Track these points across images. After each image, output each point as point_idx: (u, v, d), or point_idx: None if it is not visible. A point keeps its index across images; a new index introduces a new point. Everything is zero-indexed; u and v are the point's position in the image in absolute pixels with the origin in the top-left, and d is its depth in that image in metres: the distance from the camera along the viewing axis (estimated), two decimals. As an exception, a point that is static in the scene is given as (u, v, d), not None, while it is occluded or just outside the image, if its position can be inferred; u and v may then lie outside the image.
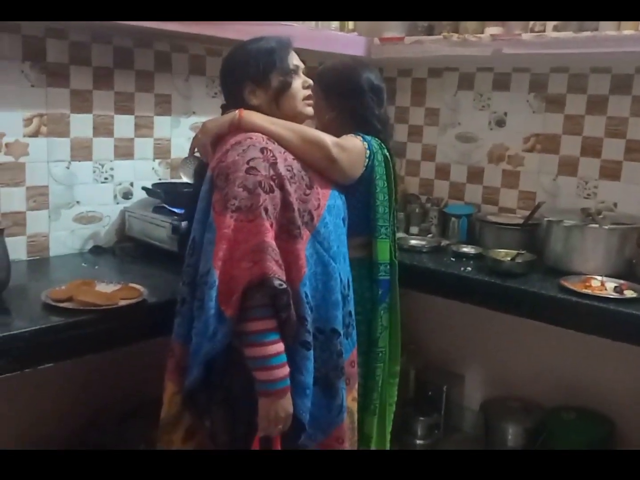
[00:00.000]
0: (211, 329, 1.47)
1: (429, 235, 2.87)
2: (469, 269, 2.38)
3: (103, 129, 2.36)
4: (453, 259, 2.54)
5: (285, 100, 1.71)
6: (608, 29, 2.29)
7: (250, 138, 1.58)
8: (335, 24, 2.78)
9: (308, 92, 1.76)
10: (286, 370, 1.51)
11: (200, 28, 2.18)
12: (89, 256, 2.35)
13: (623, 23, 2.26)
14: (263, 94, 1.70)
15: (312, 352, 1.57)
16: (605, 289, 2.16)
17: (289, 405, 1.53)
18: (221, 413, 1.61)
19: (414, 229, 2.95)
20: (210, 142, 1.67)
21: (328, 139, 1.73)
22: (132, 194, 2.48)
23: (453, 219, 2.86)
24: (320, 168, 1.71)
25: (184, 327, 1.60)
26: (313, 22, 2.71)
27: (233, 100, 1.72)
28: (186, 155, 1.80)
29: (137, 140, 2.46)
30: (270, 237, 1.49)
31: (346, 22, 2.84)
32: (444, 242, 2.75)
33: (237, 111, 1.65)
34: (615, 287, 2.16)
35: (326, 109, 1.94)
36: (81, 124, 2.29)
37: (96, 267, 2.22)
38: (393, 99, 3.18)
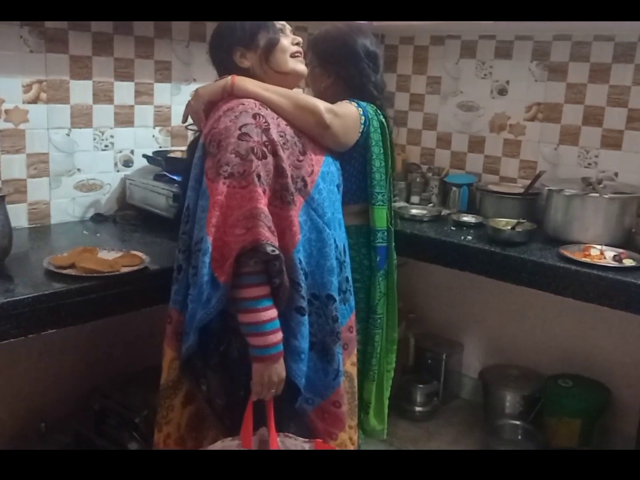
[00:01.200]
0: (205, 295, 1.48)
1: (430, 205, 2.87)
2: (470, 237, 2.39)
3: (103, 95, 2.34)
4: (454, 228, 2.54)
5: (275, 57, 1.69)
6: (613, -5, 2.25)
7: (243, 104, 1.57)
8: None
9: (298, 48, 1.73)
10: (279, 335, 1.52)
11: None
12: (90, 224, 2.35)
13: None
14: (253, 55, 1.68)
15: (306, 317, 1.59)
16: (605, 258, 2.17)
17: (282, 369, 1.55)
18: (217, 378, 1.63)
19: (414, 198, 2.95)
20: (203, 108, 1.66)
21: (321, 104, 1.71)
22: (132, 162, 2.47)
23: (454, 188, 2.86)
24: (313, 134, 1.69)
25: (181, 294, 1.61)
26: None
27: (224, 69, 1.71)
28: (185, 123, 1.78)
29: (137, 107, 2.45)
30: (262, 204, 1.48)
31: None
32: (444, 212, 2.75)
33: (229, 77, 1.64)
34: (615, 256, 2.17)
35: (322, 76, 1.93)
36: (81, 91, 2.28)
37: (97, 234, 2.23)
38: (394, 67, 3.16)
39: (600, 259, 2.16)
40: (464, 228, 2.54)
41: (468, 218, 2.62)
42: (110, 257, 1.86)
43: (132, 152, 2.47)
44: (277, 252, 1.48)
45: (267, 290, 1.50)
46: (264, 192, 1.50)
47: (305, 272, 1.60)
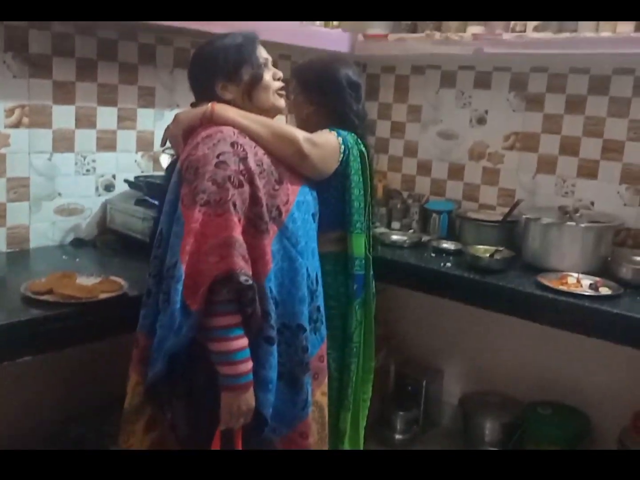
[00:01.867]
0: (177, 322, 1.47)
1: (411, 231, 2.89)
2: (449, 264, 2.42)
3: (86, 120, 2.35)
4: (433, 255, 2.57)
5: (257, 93, 1.71)
6: (586, 30, 2.33)
7: (221, 132, 1.58)
8: (319, 19, 2.79)
9: (279, 84, 1.76)
10: (249, 365, 1.52)
11: (186, 22, 2.18)
12: (70, 248, 2.35)
13: (601, 25, 2.30)
14: (235, 88, 1.69)
15: (275, 347, 1.58)
16: (581, 286, 2.20)
17: (251, 399, 1.54)
18: (182, 405, 1.61)
19: (395, 224, 2.97)
20: (182, 133, 1.67)
21: (299, 134, 1.72)
22: (114, 187, 2.48)
23: (434, 214, 2.89)
24: (291, 163, 1.70)
25: (149, 319, 1.60)
26: (297, 18, 2.72)
27: (204, 97, 1.71)
28: (163, 147, 1.80)
29: (120, 132, 2.46)
30: (237, 232, 1.49)
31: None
32: (425, 238, 2.78)
33: (210, 104, 1.65)
34: (591, 284, 2.21)
35: (304, 105, 1.95)
36: (63, 116, 2.29)
37: (77, 259, 2.22)
38: (376, 96, 3.21)
39: (577, 287, 2.19)
40: (444, 255, 2.57)
41: (448, 245, 2.65)
42: (89, 282, 1.85)
43: (113, 176, 2.47)
44: (250, 281, 1.48)
45: (238, 319, 1.50)
46: (239, 220, 1.51)
47: (276, 301, 1.60)
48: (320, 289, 1.77)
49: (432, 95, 3.04)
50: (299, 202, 1.68)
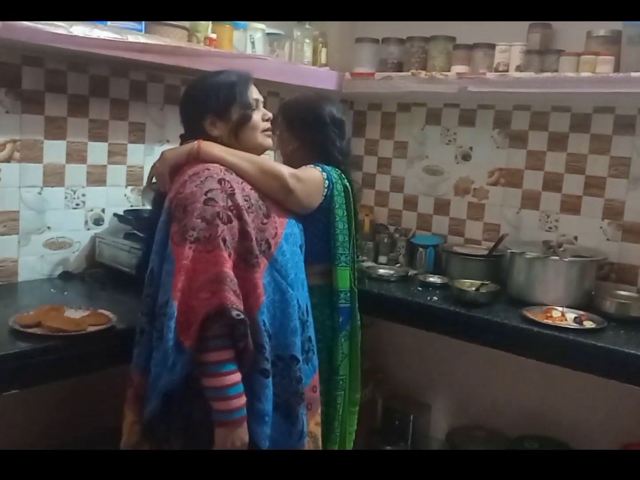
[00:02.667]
0: (170, 360, 1.48)
1: (397, 265, 2.92)
2: (435, 298, 2.44)
3: (76, 155, 2.38)
4: (420, 289, 2.59)
5: (245, 133, 1.75)
6: (567, 70, 2.40)
7: (208, 169, 1.61)
8: (308, 58, 2.85)
9: (267, 124, 1.80)
10: (243, 400, 1.52)
11: (177, 60, 2.24)
12: (58, 282, 2.35)
13: (581, 65, 2.37)
14: (223, 125, 1.73)
15: (270, 379, 1.59)
16: (566, 320, 2.23)
17: (244, 434, 1.54)
18: (180, 442, 1.60)
19: (382, 258, 3.00)
20: (169, 171, 1.69)
21: (285, 170, 1.76)
22: (103, 220, 2.49)
23: (420, 249, 2.92)
24: (277, 198, 1.74)
25: (143, 357, 1.61)
26: (286, 56, 2.79)
27: (193, 130, 1.75)
28: (150, 184, 1.83)
29: (110, 167, 2.48)
30: (228, 267, 1.50)
31: (319, 56, 2.93)
32: (411, 272, 2.80)
33: (196, 142, 1.68)
34: (575, 317, 2.23)
35: (289, 140, 2.00)
36: (54, 150, 2.32)
37: (65, 292, 2.23)
38: (363, 132, 3.26)
39: (561, 320, 2.22)
40: (430, 288, 2.59)
41: (434, 279, 2.68)
42: (77, 315, 1.85)
43: (103, 210, 2.49)
44: (242, 316, 1.49)
45: (231, 354, 1.51)
46: (230, 255, 1.53)
47: (269, 334, 1.61)
48: (310, 319, 1.79)
49: (417, 131, 3.10)
50: (287, 235, 1.71)
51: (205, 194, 1.55)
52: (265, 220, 1.65)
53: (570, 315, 2.26)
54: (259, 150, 1.80)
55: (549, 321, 2.18)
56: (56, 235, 2.38)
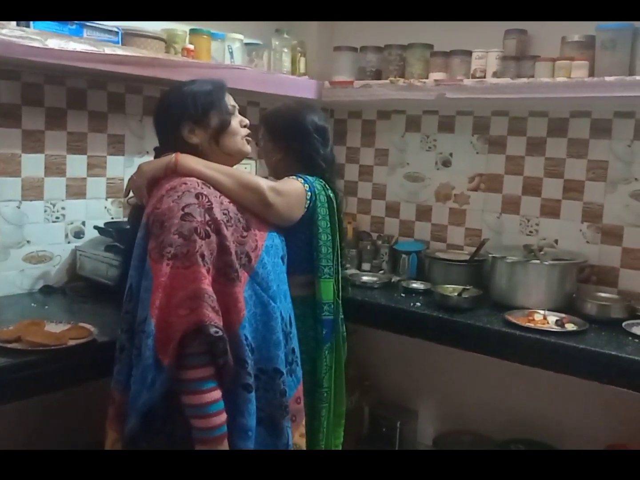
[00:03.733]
0: (149, 378, 1.46)
1: (380, 272, 2.93)
2: (418, 304, 2.45)
3: (55, 168, 2.36)
4: (403, 295, 2.60)
5: (225, 139, 1.74)
6: (543, 75, 2.43)
7: (185, 183, 1.59)
8: (286, 67, 2.86)
9: (246, 130, 1.80)
10: (223, 417, 1.50)
11: (155, 71, 2.24)
12: (39, 296, 2.33)
13: (556, 70, 2.40)
14: (202, 132, 1.71)
15: (253, 394, 1.57)
16: (548, 323, 2.24)
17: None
18: None
19: (365, 266, 3.01)
20: (146, 184, 1.67)
21: (264, 183, 1.74)
22: (83, 233, 2.48)
23: (403, 255, 2.93)
24: (256, 212, 1.72)
25: (123, 375, 1.59)
26: (265, 66, 2.80)
27: (170, 140, 1.73)
28: (127, 197, 1.81)
29: (89, 179, 2.47)
30: (206, 284, 1.49)
31: (298, 66, 2.94)
32: (394, 278, 2.81)
33: (173, 155, 1.66)
34: (557, 320, 2.25)
35: (273, 151, 2.00)
36: (32, 164, 2.30)
37: (46, 307, 2.20)
38: (344, 140, 3.27)
39: (543, 323, 2.24)
40: (414, 295, 2.60)
41: (417, 285, 2.69)
42: (58, 329, 1.84)
43: (83, 223, 2.48)
44: (220, 333, 1.47)
45: (211, 371, 1.49)
46: (208, 271, 1.51)
47: (252, 348, 1.59)
48: (294, 330, 1.77)
49: (398, 139, 3.12)
50: (268, 247, 1.70)
51: (183, 209, 1.53)
52: (244, 234, 1.64)
53: (552, 318, 2.27)
54: (239, 156, 1.80)
55: (531, 324, 2.20)
56: (36, 249, 2.36)
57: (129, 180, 1.76)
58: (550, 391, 2.70)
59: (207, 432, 1.49)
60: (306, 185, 1.88)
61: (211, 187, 1.63)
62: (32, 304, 2.23)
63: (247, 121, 1.82)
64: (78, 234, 2.47)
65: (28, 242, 2.33)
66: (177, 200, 1.55)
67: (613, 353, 2.01)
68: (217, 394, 1.49)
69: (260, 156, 2.06)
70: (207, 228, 1.54)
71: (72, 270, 2.44)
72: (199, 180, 1.62)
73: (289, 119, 2.02)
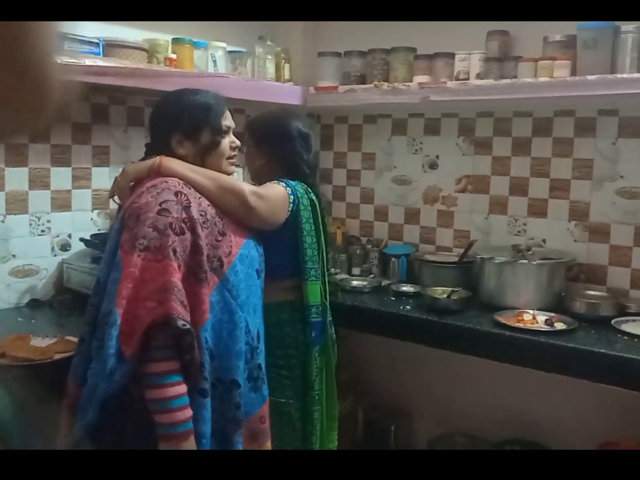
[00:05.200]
0: (109, 367, 1.42)
1: (371, 276, 2.93)
2: (408, 307, 2.44)
3: (39, 181, 2.36)
4: (393, 298, 2.59)
5: (211, 158, 1.74)
6: (525, 76, 2.43)
7: (166, 182, 1.60)
8: (271, 74, 2.86)
9: (234, 152, 1.80)
10: (188, 413, 1.46)
11: (137, 81, 2.23)
12: (26, 310, 2.32)
13: (539, 70, 2.41)
14: (190, 146, 1.72)
15: (209, 400, 1.52)
16: (537, 322, 2.24)
17: (192, 448, 1.48)
18: None
19: (355, 270, 3.00)
20: (130, 185, 1.69)
21: (246, 187, 1.75)
22: (70, 246, 2.47)
23: (393, 259, 2.93)
24: (237, 216, 1.72)
25: (81, 367, 1.55)
26: (249, 73, 2.80)
27: (159, 144, 1.74)
28: (111, 197, 1.83)
29: (74, 191, 2.46)
30: (177, 278, 1.48)
31: (282, 72, 2.94)
32: (384, 282, 2.81)
33: (157, 157, 1.67)
34: (546, 320, 2.25)
35: (257, 156, 2.01)
36: (16, 178, 2.29)
37: (33, 321, 2.19)
38: (331, 145, 3.28)
39: (532, 323, 2.23)
40: (404, 298, 2.59)
41: (407, 288, 2.68)
42: (44, 344, 1.83)
43: (69, 235, 2.47)
44: (188, 326, 1.46)
45: (176, 365, 1.47)
46: (179, 267, 1.50)
47: (212, 354, 1.56)
48: (262, 347, 1.73)
49: (384, 142, 3.12)
50: (242, 256, 1.68)
51: (160, 204, 1.53)
52: (219, 238, 1.62)
53: (541, 317, 2.27)
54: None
55: (521, 325, 2.20)
56: (22, 263, 2.35)
57: (114, 181, 1.76)
58: (542, 391, 2.70)
59: (170, 427, 1.44)
60: (288, 188, 1.88)
61: (192, 189, 1.63)
62: (19, 319, 2.22)
63: (238, 143, 1.81)
64: (64, 247, 2.46)
65: (14, 256, 2.32)
66: (156, 196, 1.55)
67: (602, 351, 2.01)
68: (181, 388, 1.47)
69: (244, 162, 2.07)
70: (183, 225, 1.53)
71: (59, 284, 2.43)
72: (180, 181, 1.62)
73: (273, 124, 2.03)
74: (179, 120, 1.71)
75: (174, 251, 1.49)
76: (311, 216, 1.94)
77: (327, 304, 2.00)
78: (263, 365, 1.73)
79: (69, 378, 1.59)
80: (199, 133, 1.71)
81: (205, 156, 1.73)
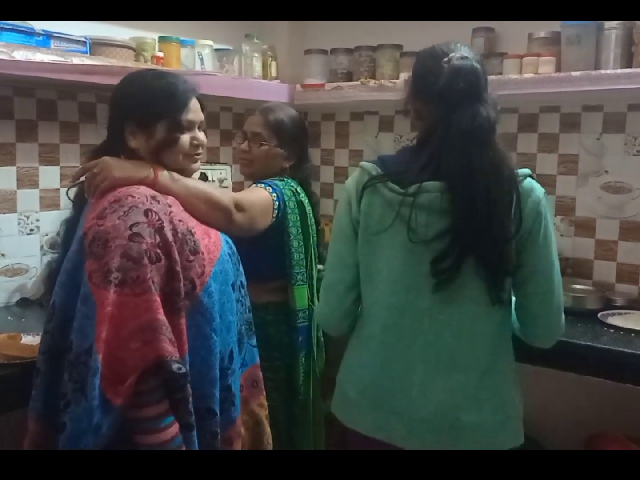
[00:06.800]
0: (95, 420, 1.29)
1: (359, 273, 2.93)
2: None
3: (27, 180, 2.35)
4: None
5: (167, 155, 1.54)
6: (511, 72, 2.46)
7: (132, 196, 1.41)
8: (258, 72, 2.87)
9: (195, 150, 1.57)
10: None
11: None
12: (16, 309, 2.31)
13: (524, 67, 2.43)
14: (143, 139, 1.52)
15: (195, 433, 1.41)
16: (524, 316, 2.26)
17: None
18: None
19: (344, 267, 3.01)
20: (109, 189, 1.46)
21: (230, 200, 1.66)
22: (59, 244, 2.46)
23: (381, 255, 2.94)
24: (219, 228, 1.61)
25: (39, 401, 1.44)
26: (236, 71, 2.80)
27: (113, 134, 1.56)
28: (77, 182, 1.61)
29: (63, 190, 2.45)
30: (161, 314, 1.33)
31: (269, 70, 2.95)
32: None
33: (151, 169, 1.50)
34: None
35: (284, 157, 2.03)
36: (4, 177, 2.28)
37: (23, 320, 2.19)
38: (318, 142, 3.29)
39: (520, 317, 2.25)
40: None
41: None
42: (35, 342, 1.81)
43: (58, 234, 2.46)
44: (183, 369, 1.34)
45: (166, 406, 1.36)
46: (161, 299, 1.36)
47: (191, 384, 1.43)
48: (233, 367, 1.56)
49: (371, 139, 3.13)
50: (216, 273, 1.50)
51: (130, 227, 1.35)
52: (191, 258, 1.44)
53: (530, 311, 2.29)
54: (182, 174, 1.58)
55: (508, 318, 2.22)
56: (11, 262, 2.34)
57: (89, 176, 1.49)
58: (529, 384, 2.70)
59: None
60: (274, 194, 1.87)
61: (160, 202, 1.44)
62: (9, 317, 2.21)
63: (201, 140, 1.59)
64: (53, 246, 2.45)
65: (3, 255, 2.31)
66: (124, 217, 1.37)
67: (589, 344, 2.04)
68: (175, 428, 1.37)
69: (236, 161, 2.06)
70: (158, 251, 1.37)
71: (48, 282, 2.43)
72: (147, 193, 1.43)
73: (300, 125, 2.08)
74: (134, 108, 1.51)
75: (153, 282, 1.34)
76: (298, 219, 1.92)
77: (314, 307, 1.98)
78: (234, 387, 1.56)
79: (29, 413, 1.47)
80: (154, 125, 1.51)
81: (160, 153, 1.53)
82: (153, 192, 1.46)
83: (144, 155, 1.53)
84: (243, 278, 1.65)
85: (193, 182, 1.59)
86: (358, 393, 1.56)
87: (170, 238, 1.40)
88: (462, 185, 1.40)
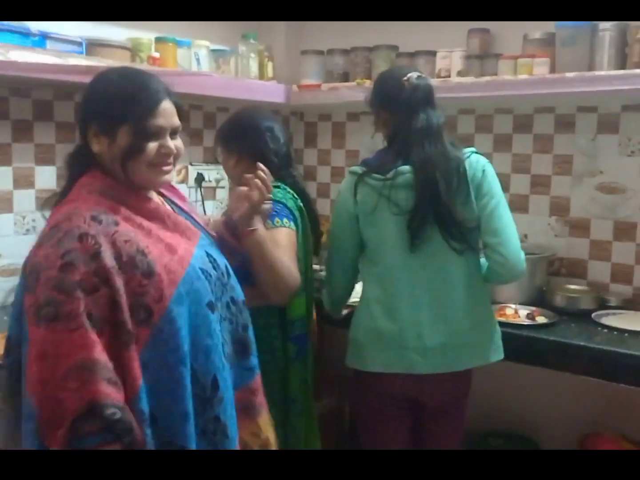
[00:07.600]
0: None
1: (355, 273, 2.94)
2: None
3: (24, 180, 2.35)
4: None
5: (131, 163, 1.36)
6: (506, 73, 2.47)
7: (69, 219, 1.27)
8: (254, 72, 2.88)
9: (161, 159, 1.39)
10: None
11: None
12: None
13: (519, 68, 2.44)
14: (106, 144, 1.36)
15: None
16: (519, 316, 2.28)
17: None
18: None
19: (340, 267, 3.01)
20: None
21: (295, 269, 1.76)
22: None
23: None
24: (263, 291, 1.67)
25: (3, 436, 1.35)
26: (233, 72, 2.81)
27: (81, 137, 1.42)
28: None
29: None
30: (98, 351, 1.20)
31: (265, 70, 2.95)
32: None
33: (256, 225, 1.68)
34: (528, 314, 2.29)
35: (228, 158, 1.97)
36: (0, 177, 2.29)
37: (19, 320, 2.19)
38: (314, 142, 3.30)
39: (514, 317, 2.28)
40: (388, 294, 2.61)
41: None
42: (31, 342, 1.83)
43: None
44: (118, 415, 1.19)
45: (117, 447, 1.21)
46: (100, 333, 1.22)
47: (155, 417, 1.29)
48: (220, 395, 1.39)
49: (367, 139, 3.12)
50: (180, 295, 1.32)
51: (62, 257, 1.22)
52: (144, 282, 1.28)
53: (523, 311, 2.32)
54: (150, 186, 1.43)
55: (503, 319, 2.23)
56: (7, 263, 2.34)
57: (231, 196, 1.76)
58: (524, 384, 2.74)
59: None
60: (291, 223, 1.84)
61: (103, 222, 1.29)
62: (5, 318, 2.21)
63: (171, 149, 1.39)
64: (50, 246, 2.45)
65: (-1, 255, 2.32)
66: (56, 245, 1.24)
67: (583, 344, 2.06)
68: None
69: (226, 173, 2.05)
70: (94, 279, 1.23)
71: (44, 283, 2.43)
72: (87, 213, 1.28)
73: (235, 122, 2.01)
74: (94, 108, 1.37)
75: (89, 315, 1.21)
76: (301, 226, 1.90)
77: (312, 316, 1.99)
78: (223, 416, 1.40)
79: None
80: (116, 130, 1.34)
81: (124, 160, 1.35)
82: (97, 210, 1.30)
83: (107, 164, 1.38)
84: (235, 293, 1.50)
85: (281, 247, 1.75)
86: (374, 339, 1.92)
87: (110, 264, 1.25)
88: (422, 168, 1.85)
